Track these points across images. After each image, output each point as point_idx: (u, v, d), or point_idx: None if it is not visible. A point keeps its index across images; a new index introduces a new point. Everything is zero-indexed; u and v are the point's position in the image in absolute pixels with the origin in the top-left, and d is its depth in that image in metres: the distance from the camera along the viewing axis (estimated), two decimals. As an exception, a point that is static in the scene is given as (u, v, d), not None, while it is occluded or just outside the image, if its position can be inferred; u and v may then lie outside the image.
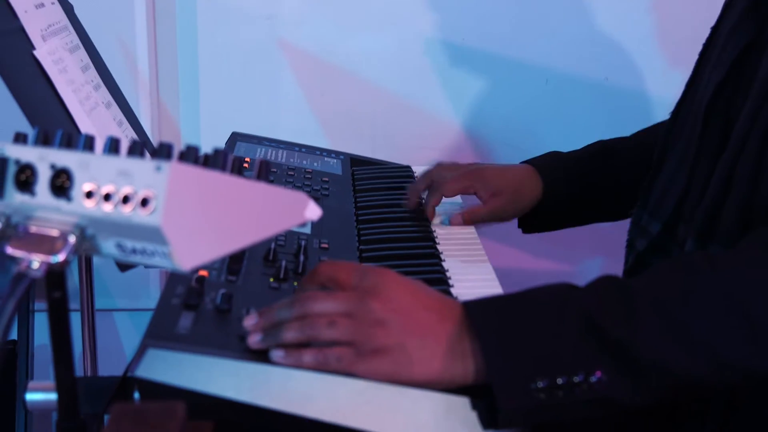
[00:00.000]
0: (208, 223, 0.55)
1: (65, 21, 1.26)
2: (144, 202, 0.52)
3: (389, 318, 0.72)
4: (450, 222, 1.18)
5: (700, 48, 1.04)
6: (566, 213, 1.26)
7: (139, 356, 0.69)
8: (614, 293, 0.72)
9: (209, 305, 0.77)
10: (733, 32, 0.95)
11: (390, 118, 1.79)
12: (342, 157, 1.42)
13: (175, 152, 0.56)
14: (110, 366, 1.45)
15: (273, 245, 0.92)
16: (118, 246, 0.56)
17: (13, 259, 0.54)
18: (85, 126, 1.15)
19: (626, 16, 1.73)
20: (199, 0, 1.72)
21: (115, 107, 1.30)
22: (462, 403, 0.72)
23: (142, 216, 0.52)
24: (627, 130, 1.31)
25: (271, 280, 0.87)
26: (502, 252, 1.78)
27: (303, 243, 0.96)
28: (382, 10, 1.73)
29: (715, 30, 1.03)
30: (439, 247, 1.08)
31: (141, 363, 0.69)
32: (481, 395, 0.72)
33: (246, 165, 0.62)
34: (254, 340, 0.72)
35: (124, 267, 1.16)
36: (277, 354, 0.71)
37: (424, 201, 1.21)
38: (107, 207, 0.53)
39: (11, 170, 0.56)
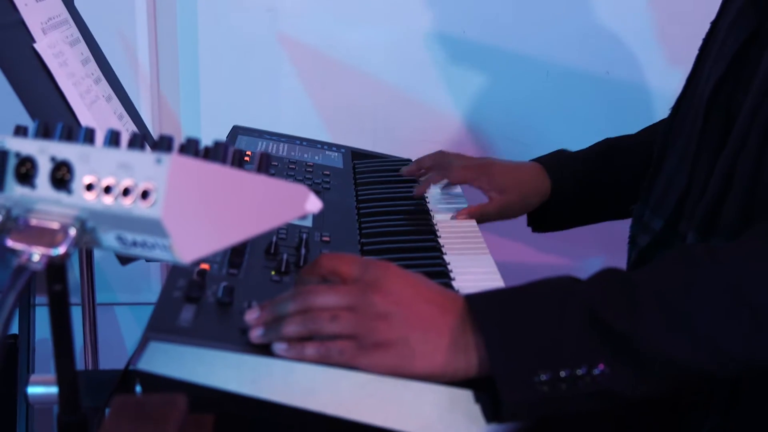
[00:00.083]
0: (208, 215, 0.55)
1: (65, 14, 1.26)
2: (144, 195, 0.52)
3: (391, 311, 0.72)
4: (456, 217, 1.18)
5: (700, 42, 1.04)
6: (575, 212, 1.26)
7: (141, 349, 0.69)
8: (616, 286, 0.72)
9: (211, 298, 0.77)
10: (732, 27, 0.94)
11: (391, 111, 1.78)
12: (343, 150, 1.42)
13: (176, 145, 0.56)
14: (111, 360, 1.45)
15: (274, 238, 0.92)
16: (119, 239, 0.55)
17: (14, 252, 0.54)
18: (85, 119, 1.15)
19: (627, 9, 1.73)
20: (199, -7, 1.72)
21: (115, 100, 1.30)
22: (465, 396, 0.72)
23: (143, 208, 0.52)
24: (628, 123, 1.30)
25: (273, 273, 0.87)
26: (504, 246, 1.78)
27: (304, 236, 0.96)
28: (383, 3, 1.73)
29: (714, 25, 1.02)
30: (440, 240, 1.08)
31: (143, 356, 0.69)
32: (484, 388, 0.72)
33: (247, 158, 0.62)
34: (256, 335, 0.72)
35: (125, 260, 1.16)
36: (279, 347, 0.71)
37: (422, 178, 1.23)
38: (107, 199, 0.53)
39: (11, 163, 0.56)
